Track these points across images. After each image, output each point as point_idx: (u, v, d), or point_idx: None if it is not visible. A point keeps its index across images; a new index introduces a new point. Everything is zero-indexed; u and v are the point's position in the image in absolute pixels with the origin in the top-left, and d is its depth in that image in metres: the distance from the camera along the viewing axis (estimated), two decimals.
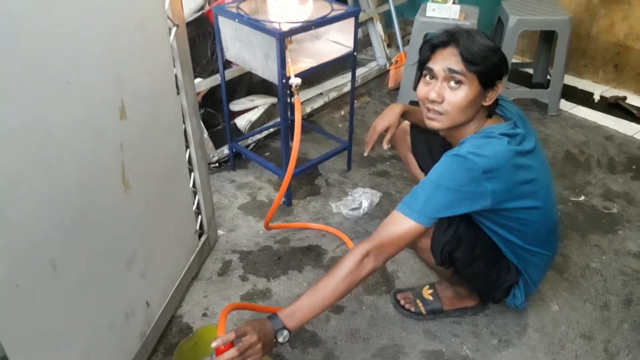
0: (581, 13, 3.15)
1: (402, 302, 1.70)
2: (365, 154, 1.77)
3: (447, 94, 1.31)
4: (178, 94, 1.53)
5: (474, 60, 1.27)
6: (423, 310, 1.67)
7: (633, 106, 2.91)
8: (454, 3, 2.61)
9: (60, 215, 1.02)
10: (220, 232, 2.01)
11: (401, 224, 1.29)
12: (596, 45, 3.18)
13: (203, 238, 1.86)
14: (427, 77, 1.35)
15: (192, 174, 1.71)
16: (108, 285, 1.24)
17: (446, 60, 1.30)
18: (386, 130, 1.70)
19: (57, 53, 0.96)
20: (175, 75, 1.49)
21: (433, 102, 1.33)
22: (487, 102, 1.34)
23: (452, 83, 1.30)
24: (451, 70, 1.29)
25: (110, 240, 1.23)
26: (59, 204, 1.01)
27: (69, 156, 1.03)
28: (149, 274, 1.44)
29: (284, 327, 1.23)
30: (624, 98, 2.99)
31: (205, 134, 2.37)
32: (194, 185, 1.73)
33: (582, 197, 2.24)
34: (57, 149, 0.99)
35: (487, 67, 1.29)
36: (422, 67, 1.36)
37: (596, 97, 3.04)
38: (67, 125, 1.01)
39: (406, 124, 1.77)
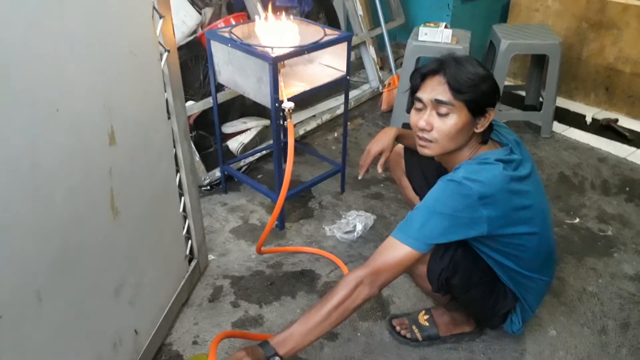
0: (571, 37, 3.19)
1: (397, 328, 1.67)
2: (360, 177, 1.77)
3: (436, 122, 1.32)
4: (169, 118, 1.52)
5: (461, 89, 1.28)
6: (419, 337, 1.64)
7: (625, 128, 2.93)
8: (446, 27, 2.63)
9: (46, 243, 1.00)
10: (211, 256, 1.98)
11: (397, 250, 1.27)
12: (587, 69, 3.21)
13: (193, 263, 1.82)
14: (418, 105, 1.36)
15: (183, 198, 1.69)
16: (95, 314, 1.21)
17: (434, 90, 1.31)
18: (380, 154, 1.69)
19: (46, 81, 0.95)
20: (166, 100, 1.48)
21: (423, 130, 1.34)
22: (479, 129, 1.34)
23: (441, 111, 1.31)
24: (438, 101, 1.30)
25: (98, 268, 1.20)
26: (46, 232, 0.99)
27: (57, 184, 1.01)
28: (138, 302, 1.40)
29: (276, 354, 1.20)
30: (616, 120, 3.01)
31: (197, 157, 2.36)
32: (184, 210, 1.71)
33: (577, 220, 2.23)
34: (44, 177, 0.97)
35: (476, 95, 1.29)
36: (413, 95, 1.37)
37: (588, 120, 3.06)
38: (56, 152, 1.00)
39: (400, 147, 1.76)
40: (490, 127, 1.37)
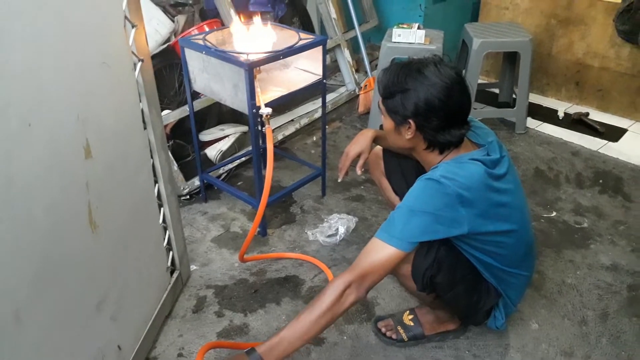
0: (541, 34, 3.26)
1: (383, 329, 1.68)
2: (340, 180, 1.77)
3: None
4: (145, 128, 1.50)
5: (382, 94, 1.36)
6: (405, 337, 1.65)
7: (596, 122, 3.00)
8: (419, 28, 2.66)
9: (23, 262, 0.97)
10: (193, 267, 1.96)
11: (381, 251, 1.27)
12: (557, 64, 3.28)
13: (175, 274, 1.80)
14: None
15: (162, 209, 1.66)
16: (77, 332, 1.19)
17: None
18: (359, 156, 1.70)
19: (16, 95, 0.92)
20: (142, 110, 1.47)
21: None
22: (408, 136, 1.36)
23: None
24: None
25: (78, 284, 1.17)
26: (23, 249, 0.97)
27: (33, 199, 0.99)
28: (120, 316, 1.38)
29: None
30: (587, 114, 3.08)
31: (175, 166, 2.33)
32: (164, 221, 1.68)
33: (554, 213, 2.27)
34: (19, 193, 0.94)
35: (392, 103, 1.34)
36: None
37: (560, 114, 3.13)
38: (30, 168, 0.97)
39: (379, 148, 1.77)
40: (455, 134, 1.34)
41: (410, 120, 1.32)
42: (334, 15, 3.30)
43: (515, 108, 2.91)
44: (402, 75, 1.31)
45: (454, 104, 1.30)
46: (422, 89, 1.28)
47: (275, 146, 2.54)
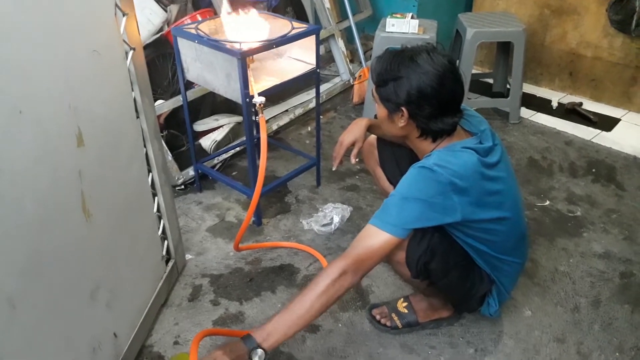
0: (535, 24, 3.26)
1: (377, 317, 1.69)
2: (334, 169, 1.78)
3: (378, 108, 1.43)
4: (137, 117, 1.49)
5: (376, 82, 1.37)
6: (399, 324, 1.66)
7: (589, 111, 3.01)
8: (412, 18, 2.65)
9: (16, 250, 0.97)
10: (188, 256, 1.96)
11: (376, 237, 1.28)
12: (551, 54, 3.28)
13: (170, 263, 1.80)
14: None
15: (156, 198, 1.66)
16: (72, 319, 1.19)
17: None
18: (353, 145, 1.70)
19: (6, 82, 0.92)
20: (134, 99, 1.46)
21: None
22: (401, 124, 1.36)
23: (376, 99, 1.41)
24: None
25: (73, 272, 1.18)
26: (15, 238, 0.97)
27: (24, 188, 0.98)
28: (115, 304, 1.38)
29: (259, 346, 1.19)
30: (580, 104, 3.09)
31: (169, 156, 2.33)
32: (158, 210, 1.68)
33: (547, 202, 2.29)
34: (10, 181, 0.94)
35: (385, 91, 1.35)
36: None
37: (554, 104, 3.13)
38: (21, 156, 0.97)
39: (373, 137, 1.77)
40: (450, 124, 1.35)
41: (403, 108, 1.33)
42: (327, 5, 3.28)
43: (509, 98, 2.92)
44: (394, 63, 1.32)
45: (447, 91, 1.30)
46: (415, 77, 1.29)
47: (269, 136, 2.54)
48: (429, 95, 1.29)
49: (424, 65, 1.29)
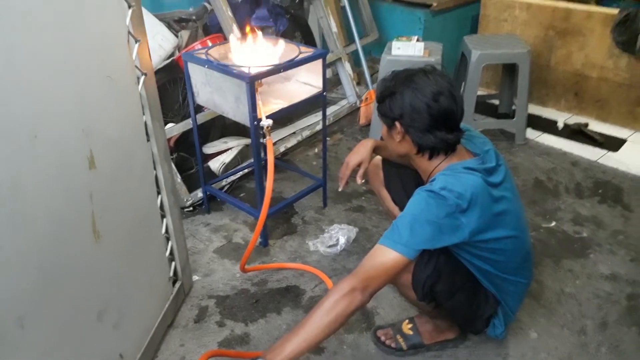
0: (539, 45, 3.29)
1: (382, 338, 1.69)
2: (340, 189, 1.79)
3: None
4: (148, 140, 1.53)
5: (376, 100, 1.45)
6: (404, 346, 1.66)
7: (595, 132, 3.02)
8: (418, 41, 2.70)
9: (28, 269, 1.00)
10: (195, 277, 1.98)
11: (386, 256, 1.29)
12: (556, 75, 3.31)
13: (177, 285, 1.82)
14: None
15: (165, 219, 1.69)
16: (79, 340, 1.21)
17: None
18: (359, 166, 1.72)
19: (24, 107, 0.96)
20: (145, 123, 1.50)
21: None
22: (397, 139, 1.43)
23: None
24: None
25: (81, 292, 1.20)
26: (27, 258, 1.00)
27: (37, 209, 1.02)
28: (122, 325, 1.40)
29: None
30: (586, 125, 3.10)
31: (179, 179, 2.37)
32: (166, 231, 1.71)
33: (553, 223, 2.29)
34: (24, 202, 0.98)
35: (381, 107, 1.43)
36: None
37: (560, 125, 3.15)
38: (36, 178, 1.01)
39: (378, 159, 1.80)
40: (448, 143, 1.39)
41: (397, 123, 1.38)
42: (334, 29, 3.35)
43: (514, 119, 2.94)
44: (393, 81, 1.40)
45: (440, 108, 1.34)
46: (408, 93, 1.36)
47: (277, 158, 2.57)
48: (420, 109, 1.35)
49: (418, 82, 1.36)
